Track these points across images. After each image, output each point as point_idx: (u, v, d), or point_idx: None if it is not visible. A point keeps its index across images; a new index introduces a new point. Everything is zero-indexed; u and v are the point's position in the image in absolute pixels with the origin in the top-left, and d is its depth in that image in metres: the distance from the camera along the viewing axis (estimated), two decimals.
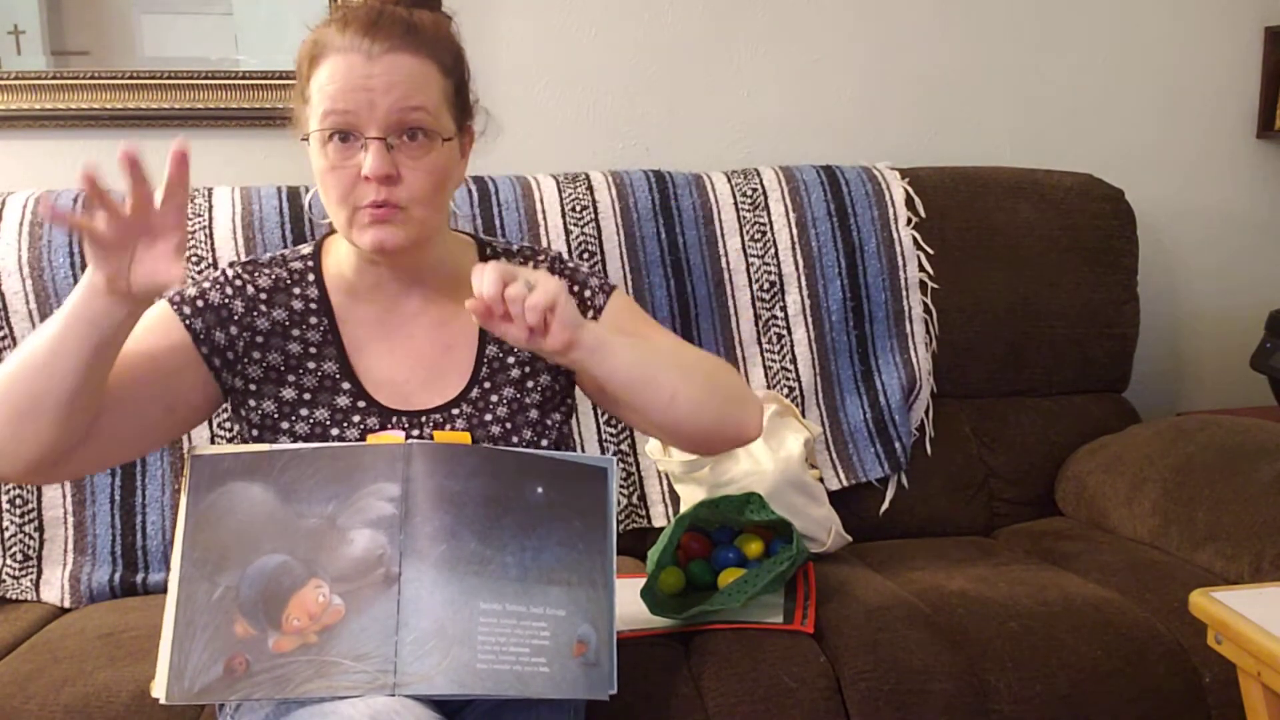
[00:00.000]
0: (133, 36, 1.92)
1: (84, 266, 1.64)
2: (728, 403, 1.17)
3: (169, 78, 1.92)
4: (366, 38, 1.07)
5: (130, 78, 1.91)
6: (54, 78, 1.89)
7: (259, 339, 1.15)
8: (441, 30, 1.14)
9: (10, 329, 1.65)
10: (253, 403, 1.15)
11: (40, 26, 1.89)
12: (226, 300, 1.15)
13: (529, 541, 1.05)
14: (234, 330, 1.15)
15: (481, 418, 1.17)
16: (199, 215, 1.71)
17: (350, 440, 1.14)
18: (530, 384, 1.20)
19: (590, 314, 1.21)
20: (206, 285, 1.16)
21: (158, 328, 1.12)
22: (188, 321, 1.13)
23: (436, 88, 1.11)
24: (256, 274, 1.18)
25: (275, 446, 1.07)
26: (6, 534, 1.65)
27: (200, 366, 1.13)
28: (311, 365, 1.16)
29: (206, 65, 1.94)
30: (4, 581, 1.64)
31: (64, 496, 1.67)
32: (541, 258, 1.25)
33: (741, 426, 1.18)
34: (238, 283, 1.16)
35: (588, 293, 1.23)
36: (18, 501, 1.66)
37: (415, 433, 1.15)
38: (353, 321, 1.18)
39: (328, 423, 1.15)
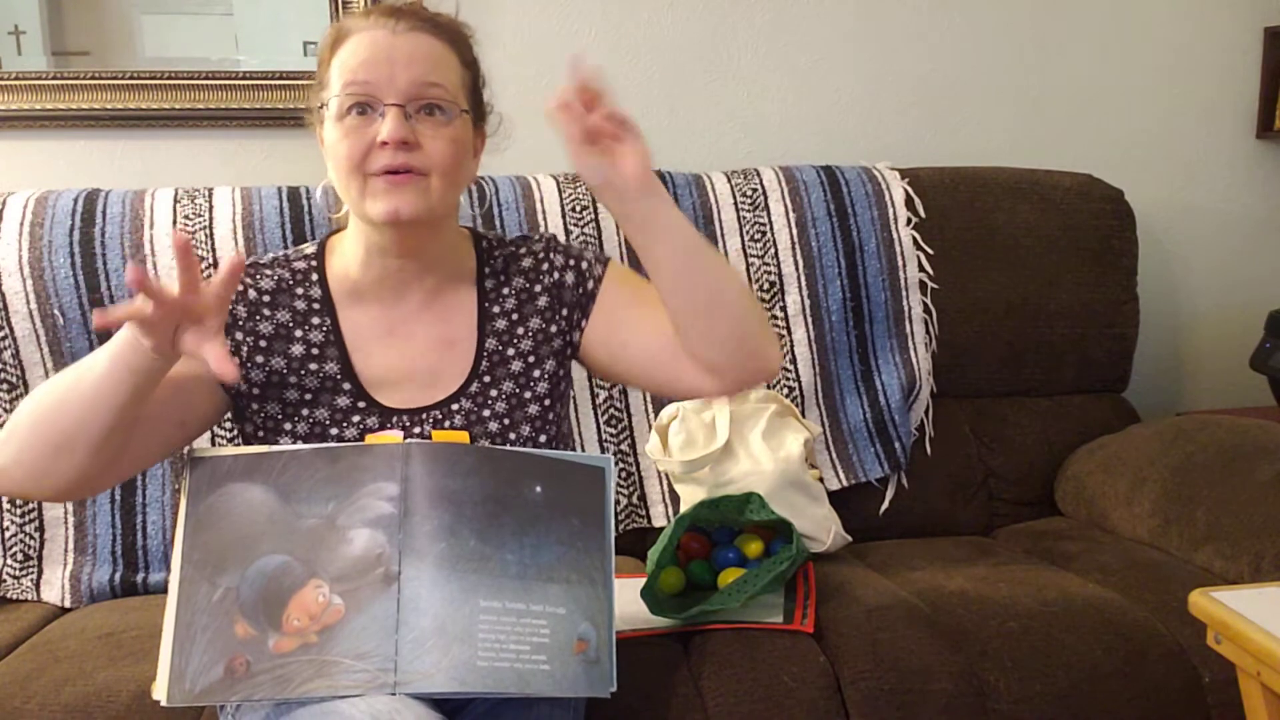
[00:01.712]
0: (133, 37, 1.92)
1: (84, 267, 1.65)
2: (763, 317, 1.17)
3: (169, 78, 1.92)
4: (390, 18, 1.11)
5: (131, 78, 1.91)
6: (54, 78, 1.89)
7: (262, 343, 1.16)
8: (461, 30, 1.18)
9: (10, 329, 1.65)
10: (256, 405, 1.16)
11: (41, 27, 1.89)
12: (229, 306, 1.15)
13: (528, 539, 1.05)
14: (238, 336, 1.15)
15: (480, 413, 1.17)
16: (199, 215, 1.71)
17: (349, 439, 1.14)
18: (535, 374, 1.20)
19: (590, 283, 1.22)
20: None
21: None
22: None
23: (455, 71, 1.13)
24: (259, 276, 1.18)
25: (274, 448, 1.07)
26: (7, 534, 1.65)
27: (208, 376, 1.13)
28: (314, 366, 1.16)
29: (207, 65, 1.94)
30: (4, 581, 1.64)
31: None
32: (537, 241, 1.25)
33: (771, 349, 1.15)
34: (239, 287, 1.17)
35: (584, 264, 1.23)
36: (18, 501, 1.66)
37: (415, 430, 1.15)
38: (354, 320, 1.18)
39: (327, 422, 1.15)
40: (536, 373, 1.20)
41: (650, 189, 1.06)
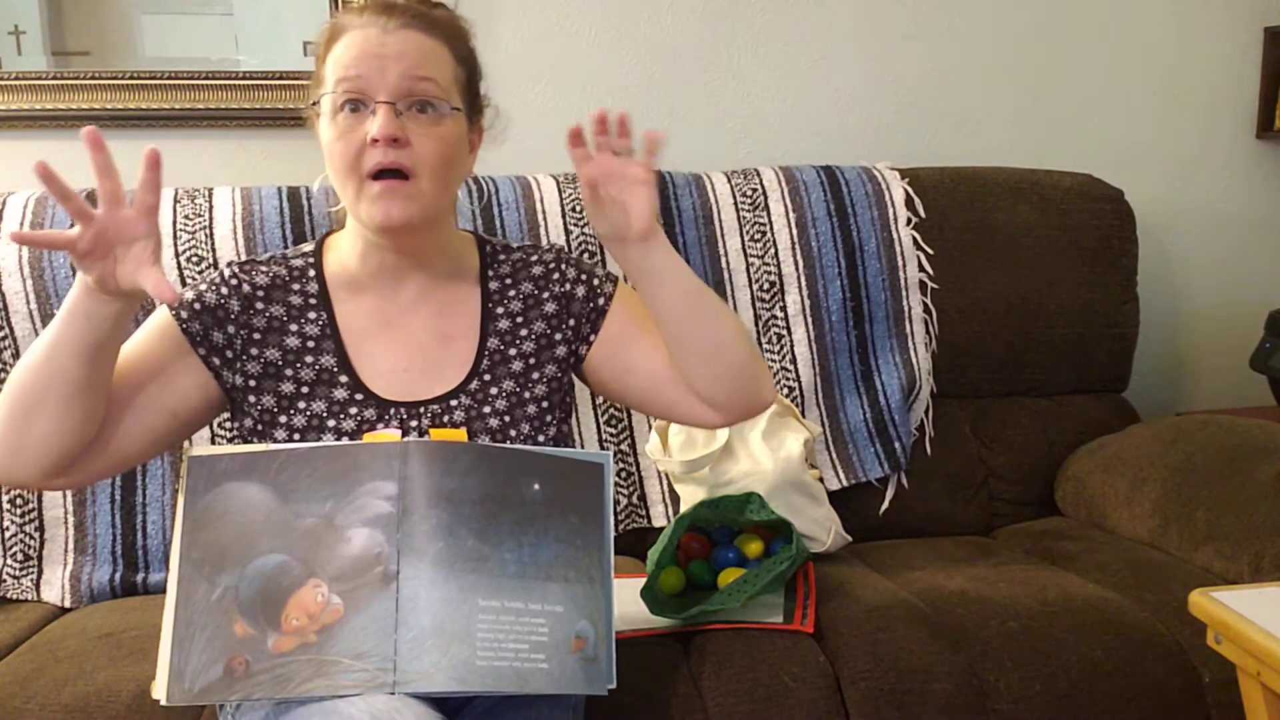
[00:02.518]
0: (133, 37, 1.92)
1: None
2: (758, 355, 1.20)
3: (169, 78, 1.92)
4: (383, 15, 1.11)
5: (131, 78, 1.91)
6: (54, 78, 1.89)
7: (256, 335, 1.16)
8: (457, 24, 1.17)
9: (10, 329, 1.65)
10: (252, 399, 1.16)
11: (41, 27, 1.89)
12: (223, 300, 1.16)
13: (526, 538, 1.05)
14: (231, 329, 1.15)
15: (480, 410, 1.17)
16: (199, 215, 1.71)
17: (346, 432, 1.14)
18: (535, 375, 1.20)
19: (601, 300, 1.23)
20: (203, 287, 1.17)
21: (156, 333, 1.14)
22: (184, 325, 1.14)
23: (448, 67, 1.14)
24: (254, 272, 1.19)
25: (272, 446, 1.07)
26: (7, 534, 1.65)
27: (200, 369, 1.14)
28: (309, 359, 1.16)
29: (207, 65, 1.94)
30: (4, 581, 1.64)
31: (64, 496, 1.67)
32: (547, 251, 1.26)
33: (766, 386, 1.20)
34: (234, 282, 1.17)
35: (595, 281, 1.24)
36: (18, 501, 1.66)
37: (413, 424, 1.15)
38: (351, 314, 1.19)
39: (324, 414, 1.15)
40: (536, 375, 1.21)
41: (651, 234, 1.10)
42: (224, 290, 1.16)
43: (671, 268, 1.13)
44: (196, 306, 1.15)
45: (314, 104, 1.14)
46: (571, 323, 1.23)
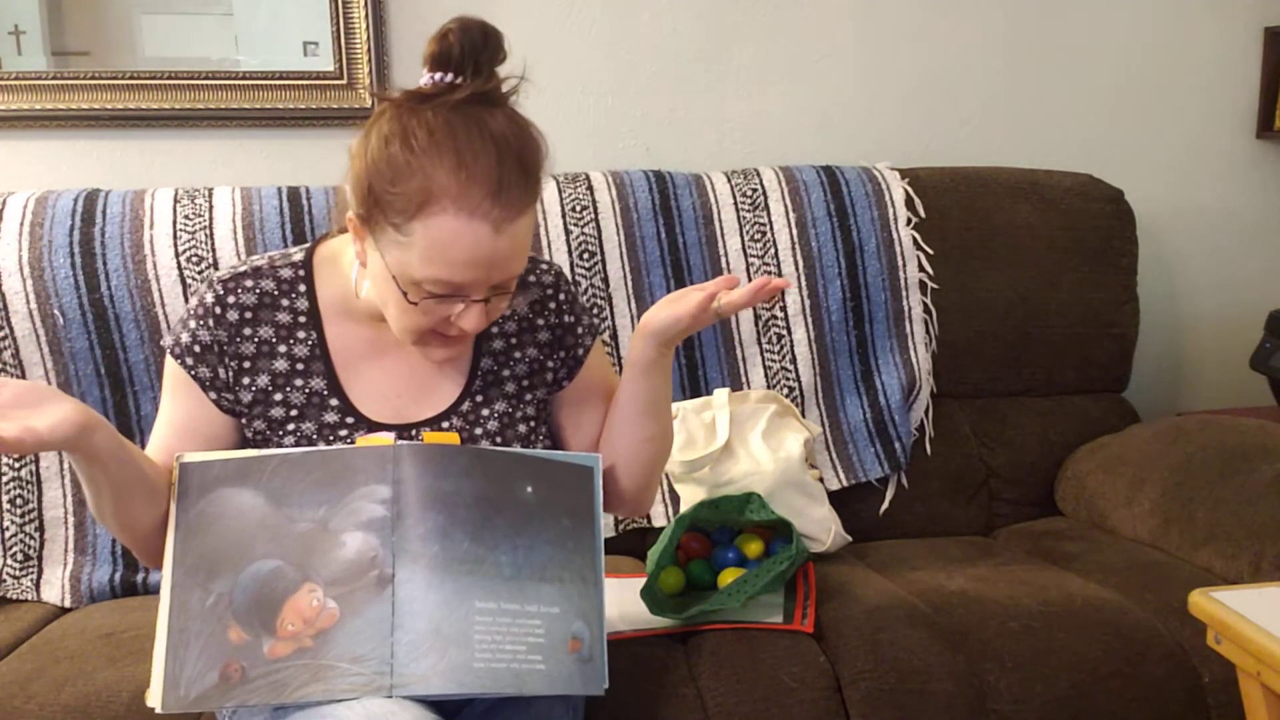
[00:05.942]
0: (133, 37, 1.92)
1: (84, 267, 1.65)
2: (656, 483, 1.28)
3: (169, 78, 1.92)
4: (496, 206, 0.99)
5: (131, 78, 1.91)
6: (54, 78, 1.89)
7: (246, 364, 1.14)
8: (542, 158, 1.06)
9: (10, 329, 1.65)
10: (245, 422, 1.16)
11: (41, 27, 1.89)
12: (212, 333, 1.14)
13: (521, 540, 1.05)
14: (226, 360, 1.14)
15: (472, 431, 1.17)
16: (199, 215, 1.71)
17: None
18: (528, 397, 1.21)
19: (580, 351, 1.24)
20: (194, 325, 1.14)
21: (179, 391, 1.15)
22: (193, 372, 1.14)
23: (532, 227, 1.07)
24: (240, 291, 1.15)
25: (264, 451, 1.07)
26: (7, 534, 1.65)
27: (216, 409, 1.15)
28: (299, 382, 1.15)
29: (207, 65, 1.94)
30: (4, 581, 1.64)
31: (64, 496, 1.67)
32: (546, 270, 1.24)
33: (646, 500, 1.28)
34: (218, 310, 1.14)
35: (580, 328, 1.25)
36: (18, 501, 1.66)
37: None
38: (344, 336, 1.17)
39: (315, 436, 1.14)
40: (529, 396, 1.21)
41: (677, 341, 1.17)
42: (211, 322, 1.14)
43: (667, 372, 1.19)
44: (197, 349, 1.13)
45: (384, 258, 1.04)
46: (562, 354, 1.23)
